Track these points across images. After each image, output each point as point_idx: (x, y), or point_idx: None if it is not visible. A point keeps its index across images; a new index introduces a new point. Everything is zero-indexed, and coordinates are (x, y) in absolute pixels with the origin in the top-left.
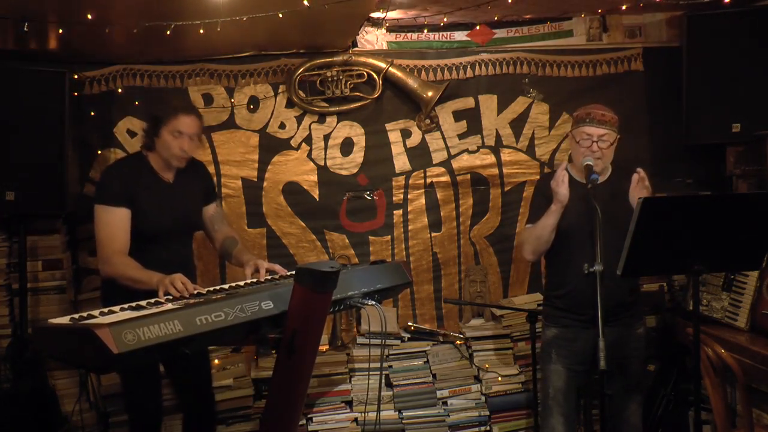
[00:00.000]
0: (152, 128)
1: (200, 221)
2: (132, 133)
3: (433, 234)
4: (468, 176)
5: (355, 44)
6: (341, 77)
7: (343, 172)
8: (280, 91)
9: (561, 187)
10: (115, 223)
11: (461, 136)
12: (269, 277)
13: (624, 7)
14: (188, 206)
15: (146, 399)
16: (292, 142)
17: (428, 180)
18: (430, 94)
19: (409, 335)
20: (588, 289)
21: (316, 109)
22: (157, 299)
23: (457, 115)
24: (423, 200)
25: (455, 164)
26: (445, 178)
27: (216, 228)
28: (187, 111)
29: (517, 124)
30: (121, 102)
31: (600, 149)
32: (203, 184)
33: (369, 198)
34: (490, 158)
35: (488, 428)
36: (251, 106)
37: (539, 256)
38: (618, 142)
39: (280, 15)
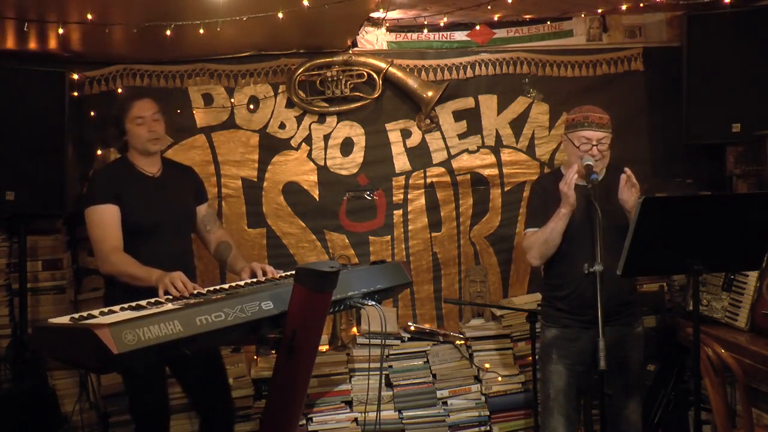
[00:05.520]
0: (117, 129)
1: (192, 218)
2: None
3: (433, 234)
4: (468, 176)
5: (355, 44)
6: (341, 77)
7: (343, 172)
8: (280, 91)
9: (572, 190)
10: (105, 220)
11: (461, 136)
12: (269, 277)
13: (624, 7)
14: (177, 200)
15: (151, 400)
16: (292, 142)
17: (428, 180)
18: (430, 94)
19: (409, 335)
20: (589, 289)
21: (316, 109)
22: (157, 299)
23: (457, 115)
24: (423, 200)
25: (455, 164)
26: (445, 178)
27: (209, 229)
28: (138, 96)
29: (517, 124)
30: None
31: (600, 152)
32: (193, 184)
33: (369, 198)
34: (490, 158)
35: (488, 428)
36: (251, 106)
37: (546, 260)
38: (614, 141)
39: (280, 15)
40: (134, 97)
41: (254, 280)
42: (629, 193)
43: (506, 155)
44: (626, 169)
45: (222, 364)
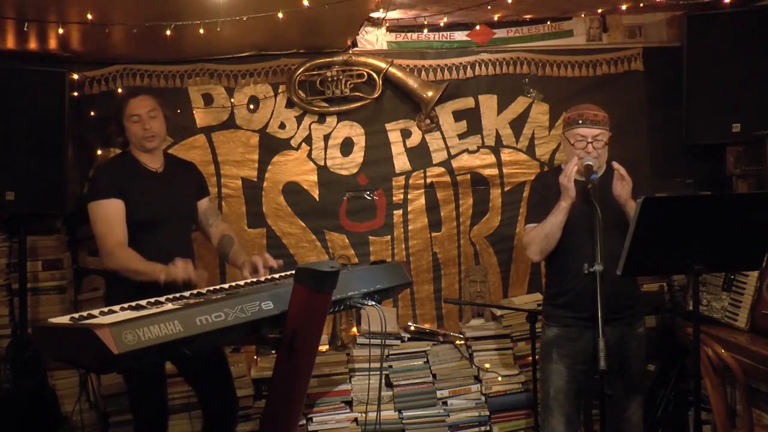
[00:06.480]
0: (117, 127)
1: (194, 212)
2: None
3: (433, 234)
4: (468, 176)
5: (355, 44)
6: (341, 77)
7: (343, 172)
8: (280, 91)
9: (571, 183)
10: (110, 216)
11: (461, 136)
12: (269, 277)
13: (624, 7)
14: (180, 195)
15: (151, 399)
16: (292, 142)
17: (428, 180)
18: (430, 94)
19: (409, 335)
20: (589, 288)
21: (316, 109)
22: (157, 299)
23: (457, 115)
24: (423, 200)
25: (455, 164)
26: (445, 178)
27: (211, 222)
28: (134, 94)
29: (517, 124)
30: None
31: (595, 149)
32: (194, 179)
33: (369, 198)
34: (490, 158)
35: (488, 428)
36: (251, 106)
37: (546, 256)
38: (612, 140)
39: (280, 15)
40: (131, 94)
41: (254, 279)
42: (621, 186)
43: (506, 155)
44: (614, 163)
45: (225, 358)
